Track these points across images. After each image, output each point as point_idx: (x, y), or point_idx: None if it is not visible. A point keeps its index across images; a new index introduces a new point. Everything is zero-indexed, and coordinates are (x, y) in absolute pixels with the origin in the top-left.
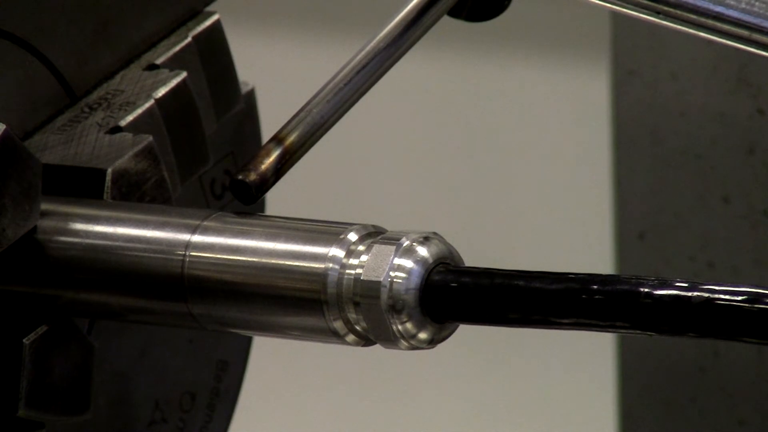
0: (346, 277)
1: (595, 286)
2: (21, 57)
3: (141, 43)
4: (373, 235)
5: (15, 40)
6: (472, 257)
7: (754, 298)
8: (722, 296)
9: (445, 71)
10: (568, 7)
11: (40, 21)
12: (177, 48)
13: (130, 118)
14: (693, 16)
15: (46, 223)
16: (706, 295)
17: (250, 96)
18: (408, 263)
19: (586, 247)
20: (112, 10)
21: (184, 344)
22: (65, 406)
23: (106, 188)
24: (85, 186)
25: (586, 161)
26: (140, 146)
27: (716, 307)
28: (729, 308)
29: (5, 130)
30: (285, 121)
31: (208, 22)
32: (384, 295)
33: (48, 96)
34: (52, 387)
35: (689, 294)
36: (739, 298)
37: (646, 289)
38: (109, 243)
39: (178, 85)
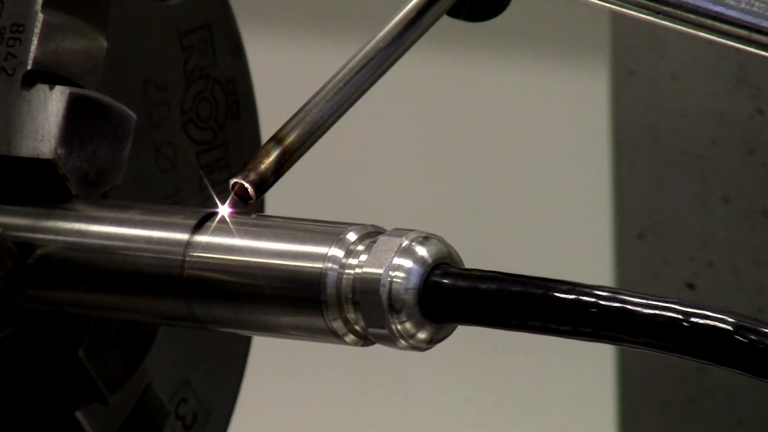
0: (345, 276)
1: (593, 299)
2: None
3: None
4: (372, 234)
5: None
6: (472, 257)
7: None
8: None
9: (444, 71)
10: (568, 7)
11: None
12: None
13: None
14: (693, 16)
15: (45, 224)
16: (698, 320)
17: None
18: (407, 263)
19: (585, 247)
20: None
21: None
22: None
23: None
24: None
25: (585, 161)
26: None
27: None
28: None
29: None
30: (284, 121)
31: None
32: (383, 294)
33: None
34: None
35: (675, 315)
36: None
37: (639, 308)
38: (109, 243)
39: None
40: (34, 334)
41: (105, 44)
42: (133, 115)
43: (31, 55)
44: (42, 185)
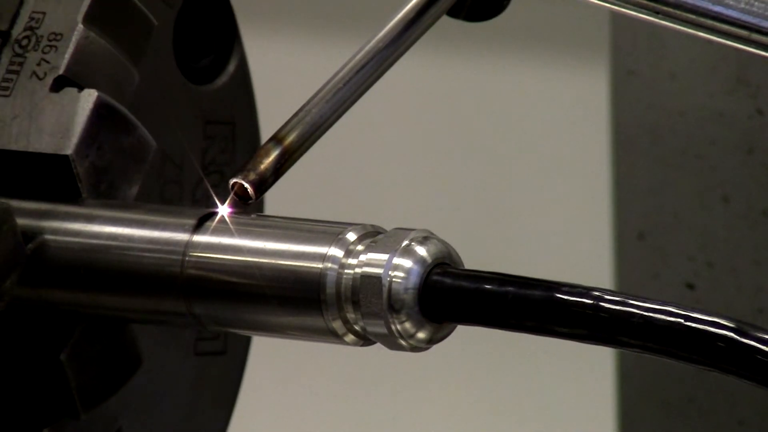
0: (344, 276)
1: (594, 301)
2: None
3: None
4: (372, 234)
5: None
6: (471, 257)
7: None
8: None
9: (444, 71)
10: (568, 7)
11: None
12: None
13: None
14: (692, 16)
15: (46, 224)
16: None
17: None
18: (407, 263)
19: (585, 247)
20: None
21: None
22: None
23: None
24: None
25: (585, 161)
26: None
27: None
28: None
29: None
30: (284, 120)
31: None
32: (383, 294)
33: None
34: None
35: (675, 319)
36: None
37: (639, 311)
38: (109, 243)
39: None
40: (19, 336)
41: (137, 76)
42: (154, 143)
43: (65, 62)
44: (54, 184)
